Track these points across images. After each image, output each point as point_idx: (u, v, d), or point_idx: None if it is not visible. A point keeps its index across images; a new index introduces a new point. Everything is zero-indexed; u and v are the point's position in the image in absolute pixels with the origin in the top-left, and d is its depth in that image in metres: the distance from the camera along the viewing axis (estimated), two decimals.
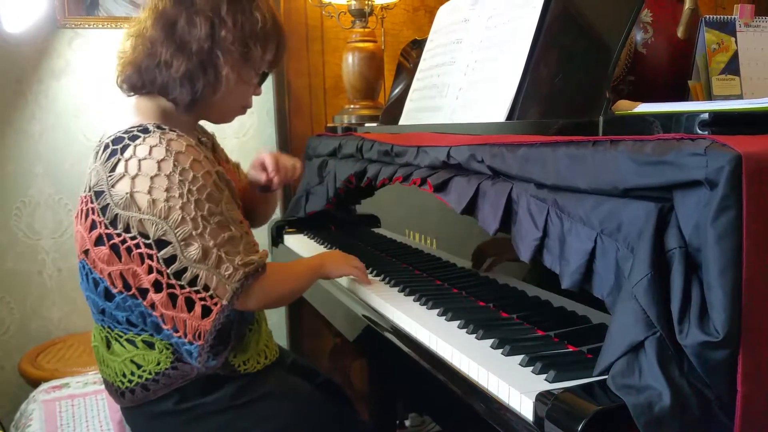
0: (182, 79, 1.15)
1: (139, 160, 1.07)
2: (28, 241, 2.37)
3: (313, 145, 2.00)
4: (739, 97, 1.24)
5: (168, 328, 1.11)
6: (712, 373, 0.69)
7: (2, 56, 2.28)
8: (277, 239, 2.04)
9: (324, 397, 1.34)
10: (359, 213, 1.96)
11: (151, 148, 1.08)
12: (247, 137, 2.56)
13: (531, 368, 0.89)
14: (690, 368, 0.70)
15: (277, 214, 2.33)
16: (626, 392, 0.71)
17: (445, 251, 1.48)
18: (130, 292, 1.11)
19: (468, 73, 1.45)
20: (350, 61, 2.10)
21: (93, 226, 1.11)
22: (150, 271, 1.09)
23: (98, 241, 1.11)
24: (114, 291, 1.12)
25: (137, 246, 1.08)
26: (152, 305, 1.11)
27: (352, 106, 2.15)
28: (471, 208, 1.11)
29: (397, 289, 1.33)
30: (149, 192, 1.06)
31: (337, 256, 1.40)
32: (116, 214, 1.08)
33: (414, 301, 1.24)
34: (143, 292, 1.11)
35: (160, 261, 1.08)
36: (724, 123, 0.78)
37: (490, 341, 0.99)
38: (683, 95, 1.28)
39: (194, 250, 1.08)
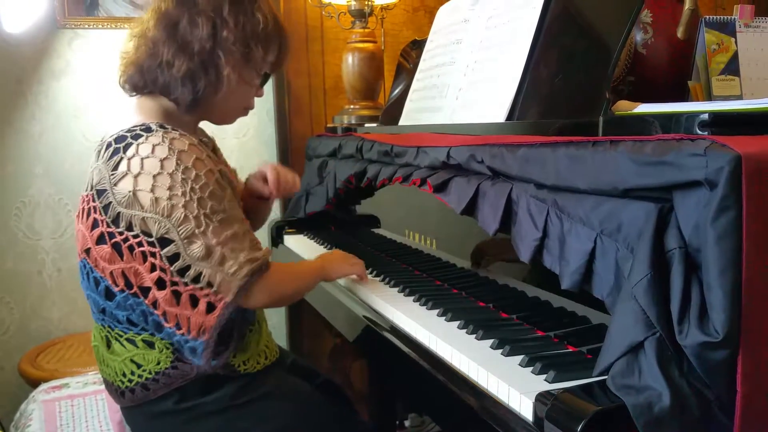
0: (184, 79, 1.16)
1: (142, 159, 1.08)
2: (28, 241, 2.37)
3: (313, 145, 2.00)
4: (739, 97, 1.24)
5: (170, 326, 1.11)
6: (712, 373, 0.69)
7: (2, 56, 2.28)
8: (276, 239, 2.04)
9: (324, 398, 1.34)
10: (359, 213, 1.96)
11: (153, 146, 1.08)
12: (247, 137, 2.56)
13: (531, 368, 0.89)
14: (690, 369, 0.70)
15: (277, 215, 2.34)
16: (626, 392, 0.71)
17: (445, 251, 1.48)
18: (132, 291, 1.11)
19: (468, 74, 1.45)
20: (350, 61, 2.10)
21: (95, 224, 1.11)
22: (153, 269, 1.09)
23: (100, 240, 1.11)
24: (115, 290, 1.12)
25: (139, 244, 1.08)
26: (154, 303, 1.11)
27: (352, 107, 2.15)
28: (471, 209, 1.11)
29: (396, 289, 1.33)
30: (152, 190, 1.07)
31: (337, 258, 1.40)
32: (119, 213, 1.08)
33: (414, 301, 1.24)
34: (145, 291, 1.11)
35: (164, 259, 1.08)
36: (723, 123, 0.78)
37: (489, 341, 1.00)
38: (683, 96, 1.28)
39: (197, 248, 1.08)
